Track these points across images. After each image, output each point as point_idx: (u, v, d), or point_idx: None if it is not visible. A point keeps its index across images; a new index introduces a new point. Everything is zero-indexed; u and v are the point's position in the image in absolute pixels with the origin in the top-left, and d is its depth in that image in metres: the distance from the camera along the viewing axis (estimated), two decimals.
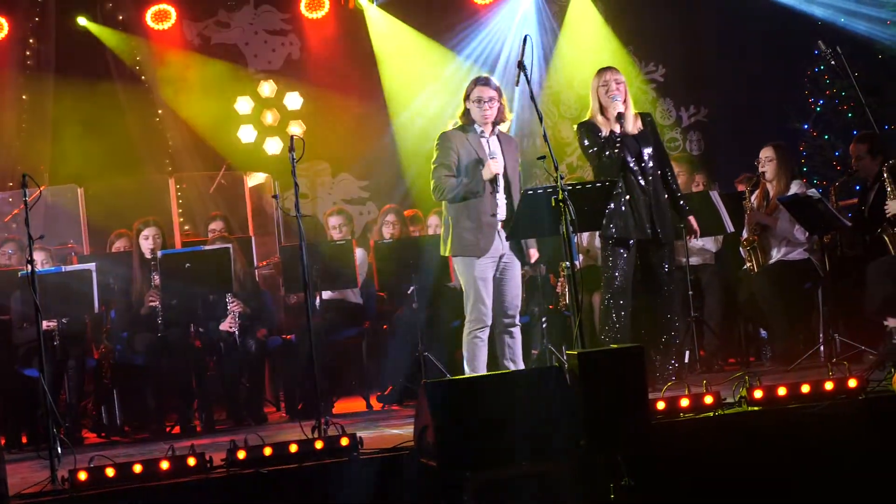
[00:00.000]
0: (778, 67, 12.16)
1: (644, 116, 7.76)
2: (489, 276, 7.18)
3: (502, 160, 7.18)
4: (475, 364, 7.16)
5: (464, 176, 7.15)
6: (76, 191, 11.32)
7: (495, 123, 7.26)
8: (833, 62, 9.61)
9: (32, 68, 12.17)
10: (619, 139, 7.51)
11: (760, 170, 8.67)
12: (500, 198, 7.20)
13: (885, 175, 8.14)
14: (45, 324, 7.91)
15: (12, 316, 8.61)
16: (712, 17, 12.66)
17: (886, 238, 8.15)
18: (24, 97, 12.11)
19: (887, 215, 8.09)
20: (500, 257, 7.21)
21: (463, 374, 7.28)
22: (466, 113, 7.28)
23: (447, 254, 7.30)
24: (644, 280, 7.67)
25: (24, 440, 8.59)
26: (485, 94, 7.20)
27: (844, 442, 6.08)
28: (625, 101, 7.61)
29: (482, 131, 7.24)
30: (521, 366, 7.32)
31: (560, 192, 6.57)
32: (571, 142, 12.49)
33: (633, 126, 7.65)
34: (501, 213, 7.19)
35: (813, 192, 8.27)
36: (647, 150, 7.59)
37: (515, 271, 7.32)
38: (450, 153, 7.20)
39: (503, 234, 7.17)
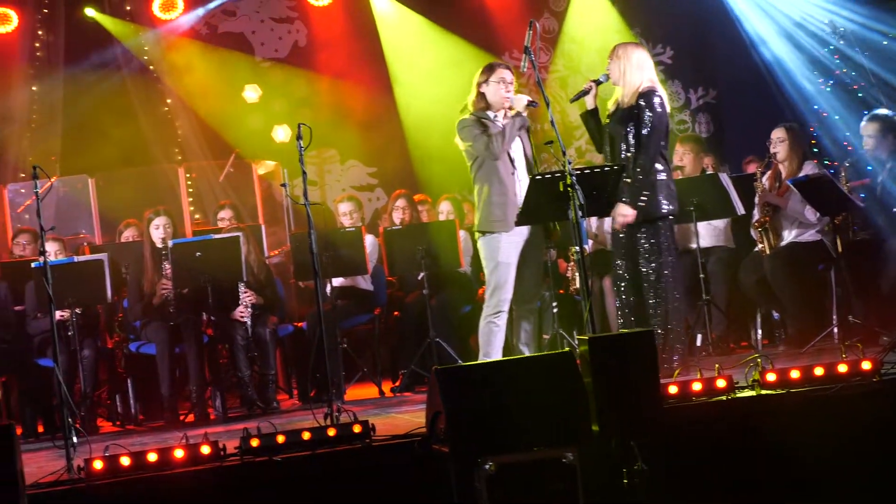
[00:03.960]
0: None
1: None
2: (513, 260, 7.18)
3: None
4: (490, 350, 7.17)
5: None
6: (87, 181, 11.35)
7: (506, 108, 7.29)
8: (842, 41, 9.58)
9: (42, 60, 12.17)
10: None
11: (772, 151, 8.64)
12: (518, 178, 7.22)
13: None
14: (58, 314, 7.94)
15: (26, 306, 8.65)
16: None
17: None
18: (33, 88, 12.12)
19: None
20: (524, 240, 7.22)
21: (475, 359, 7.29)
22: (481, 97, 7.26)
23: (477, 228, 7.29)
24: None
25: (40, 429, 8.64)
26: (507, 77, 7.26)
27: (859, 424, 6.08)
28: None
29: (495, 116, 7.25)
30: (532, 350, 7.34)
31: (568, 176, 6.57)
32: (579, 125, 12.44)
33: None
34: (521, 194, 7.20)
35: (825, 172, 8.25)
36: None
37: (538, 256, 7.33)
38: (477, 125, 7.19)
39: None
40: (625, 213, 7.42)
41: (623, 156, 7.47)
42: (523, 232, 7.21)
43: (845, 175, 8.83)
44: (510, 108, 7.30)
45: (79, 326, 8.30)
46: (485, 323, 7.24)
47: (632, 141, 7.46)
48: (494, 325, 7.20)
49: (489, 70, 7.30)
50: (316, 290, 6.94)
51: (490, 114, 7.26)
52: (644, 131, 7.42)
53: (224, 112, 12.51)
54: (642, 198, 7.41)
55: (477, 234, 7.36)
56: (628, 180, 7.40)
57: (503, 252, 7.15)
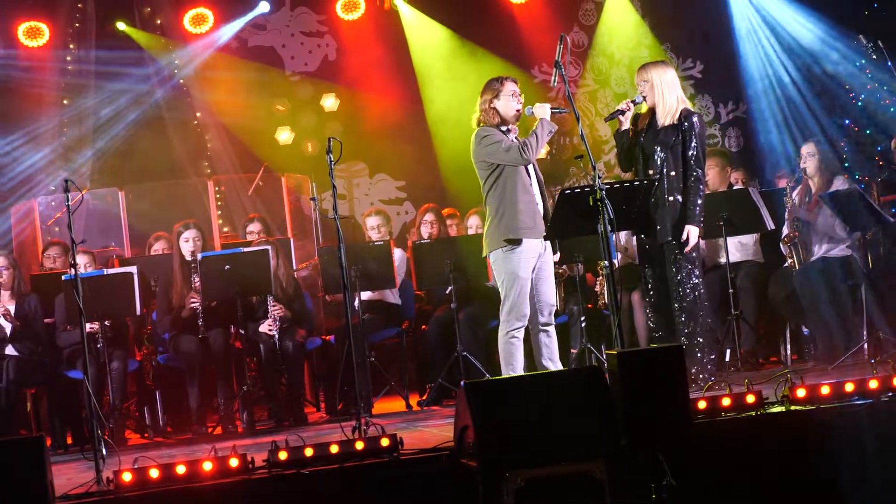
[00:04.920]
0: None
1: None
2: (529, 274, 7.14)
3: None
4: (514, 364, 7.13)
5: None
6: (117, 194, 11.41)
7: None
8: (874, 56, 9.53)
9: (73, 73, 12.27)
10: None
11: (802, 166, 8.61)
12: (536, 190, 7.20)
13: None
14: (88, 326, 7.98)
15: (56, 319, 8.70)
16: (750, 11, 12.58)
17: None
18: (64, 101, 12.21)
19: None
20: (539, 255, 7.20)
21: (502, 374, 7.27)
22: (492, 112, 7.21)
23: (503, 237, 7.10)
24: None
25: (69, 441, 8.67)
26: (517, 89, 7.25)
27: (889, 440, 6.03)
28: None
29: (507, 130, 7.23)
30: (559, 365, 7.31)
31: (598, 191, 6.56)
32: (609, 140, 12.45)
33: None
34: (540, 205, 7.20)
35: (855, 187, 8.20)
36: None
37: (551, 269, 7.31)
38: (501, 134, 7.18)
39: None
40: (696, 234, 7.50)
41: (663, 172, 7.48)
42: (537, 247, 7.17)
43: (877, 190, 8.78)
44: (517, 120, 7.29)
45: (108, 339, 8.34)
46: (506, 339, 7.15)
47: (669, 159, 7.49)
48: (516, 338, 7.14)
49: (498, 85, 7.24)
50: (345, 304, 6.95)
51: (503, 128, 7.24)
52: (692, 153, 7.52)
53: (253, 125, 12.57)
54: (700, 217, 7.53)
55: (496, 248, 7.17)
56: (669, 199, 7.42)
57: (523, 265, 7.11)
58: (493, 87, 7.25)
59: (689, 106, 7.69)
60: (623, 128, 7.65)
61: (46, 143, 12.03)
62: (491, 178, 7.20)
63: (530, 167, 7.20)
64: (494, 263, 7.24)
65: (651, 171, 7.54)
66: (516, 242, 7.10)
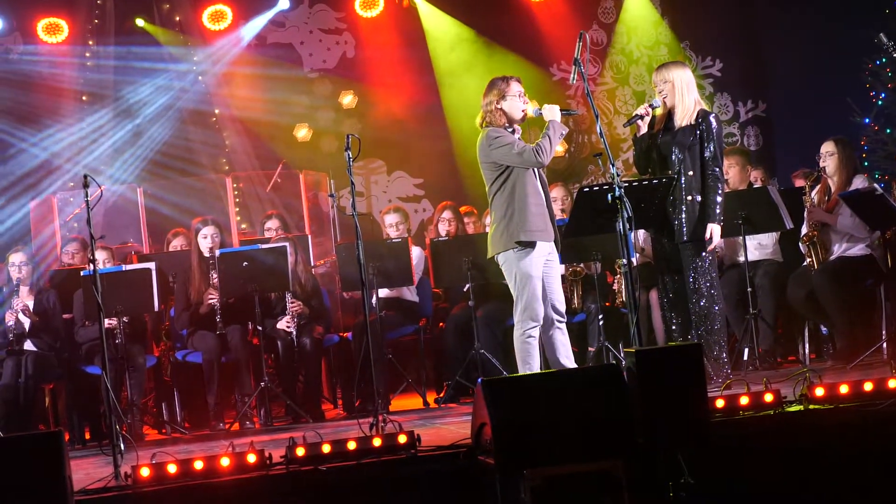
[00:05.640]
0: (838, 60, 12.01)
1: None
2: (540, 273, 7.12)
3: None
4: (531, 363, 7.11)
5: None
6: (135, 190, 11.44)
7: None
8: (895, 54, 9.48)
9: (92, 69, 12.30)
10: None
11: (821, 164, 8.57)
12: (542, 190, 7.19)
13: None
14: (106, 322, 8.00)
15: (75, 314, 8.73)
16: (771, 10, 12.55)
17: None
18: (83, 98, 12.25)
19: None
20: (547, 255, 7.18)
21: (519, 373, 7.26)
22: (499, 114, 7.16)
23: (515, 238, 7.04)
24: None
25: (87, 436, 8.70)
26: (521, 89, 7.20)
27: None
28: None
29: (513, 131, 7.21)
30: (574, 362, 7.30)
31: (616, 188, 6.55)
32: (627, 138, 12.44)
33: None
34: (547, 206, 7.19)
35: (875, 187, 8.17)
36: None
37: (557, 268, 7.30)
38: (508, 136, 7.14)
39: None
40: (718, 232, 7.49)
41: (680, 172, 7.47)
42: (548, 249, 7.15)
43: None
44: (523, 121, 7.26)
45: (126, 335, 8.36)
46: (522, 339, 7.11)
47: (687, 160, 7.47)
48: (532, 337, 7.12)
49: (504, 86, 7.16)
50: (363, 301, 6.95)
51: (508, 129, 7.20)
52: (709, 153, 7.51)
53: (271, 122, 12.59)
54: (721, 216, 7.53)
55: (505, 248, 7.12)
56: (688, 198, 7.42)
57: (535, 266, 7.08)
58: (498, 87, 7.18)
59: (705, 106, 7.68)
60: (641, 132, 7.63)
61: (65, 139, 12.08)
62: (499, 179, 7.14)
63: (537, 169, 7.16)
64: (504, 264, 7.17)
65: (669, 173, 7.52)
66: (529, 245, 7.06)
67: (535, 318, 7.11)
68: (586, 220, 6.98)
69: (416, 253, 9.17)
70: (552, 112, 7.10)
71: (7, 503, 5.42)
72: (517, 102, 7.16)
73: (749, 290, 8.43)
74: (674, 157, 7.53)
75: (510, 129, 7.18)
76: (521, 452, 5.53)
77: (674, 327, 7.70)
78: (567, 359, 7.23)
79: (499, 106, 7.16)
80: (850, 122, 11.50)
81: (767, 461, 6.01)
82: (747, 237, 8.45)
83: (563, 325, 7.27)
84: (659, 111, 7.64)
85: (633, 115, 7.63)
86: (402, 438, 6.05)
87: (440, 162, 12.64)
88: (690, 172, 7.49)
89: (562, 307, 7.26)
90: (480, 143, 7.20)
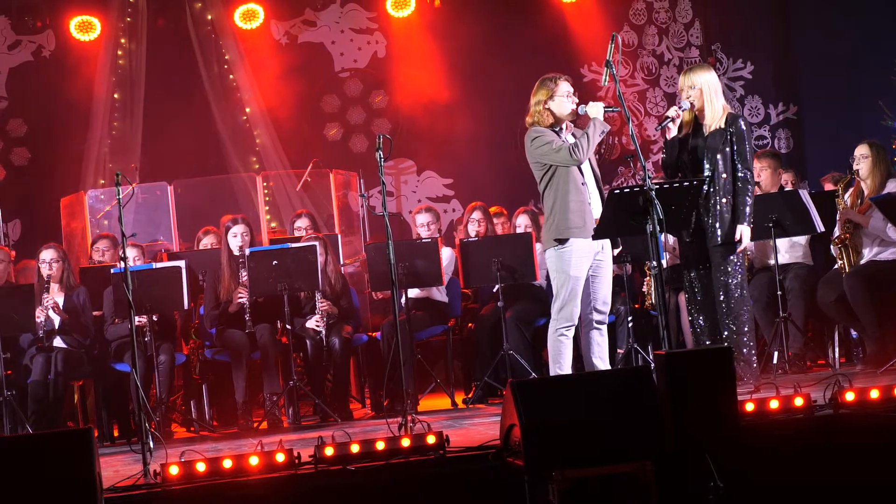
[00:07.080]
0: (871, 63, 11.94)
1: None
2: (583, 274, 7.12)
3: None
4: (562, 362, 7.12)
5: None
6: (166, 188, 11.49)
7: None
8: None
9: (124, 68, 12.36)
10: None
11: (854, 167, 8.51)
12: (589, 190, 7.17)
13: None
14: (136, 319, 8.03)
15: (105, 312, 8.77)
16: (802, 13, 12.49)
17: None
18: (115, 96, 12.30)
19: None
20: (595, 254, 7.17)
21: (548, 373, 7.25)
22: (546, 113, 7.18)
23: (554, 236, 7.11)
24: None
25: (116, 433, 8.75)
26: (570, 88, 7.23)
27: None
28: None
29: (560, 130, 7.21)
30: (608, 364, 7.29)
31: (647, 190, 6.53)
32: (657, 140, 12.40)
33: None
34: (594, 204, 7.18)
35: None
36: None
37: (608, 268, 7.28)
38: (553, 134, 7.16)
39: None
40: (748, 234, 7.44)
41: (713, 177, 7.44)
42: (595, 246, 7.15)
43: None
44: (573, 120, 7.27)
45: (155, 332, 8.40)
46: (555, 336, 7.16)
47: (718, 164, 7.44)
48: (565, 336, 7.14)
49: (553, 85, 7.18)
50: (393, 301, 6.95)
51: (556, 128, 7.21)
52: (739, 156, 7.47)
53: (302, 121, 12.62)
54: (751, 218, 7.49)
55: (549, 246, 7.20)
56: (722, 201, 7.39)
57: (574, 265, 7.09)
58: (547, 86, 7.21)
59: (731, 109, 7.66)
60: (671, 135, 7.61)
61: (96, 137, 12.14)
62: (546, 177, 7.20)
63: (584, 166, 7.17)
64: (549, 261, 7.25)
65: (700, 176, 7.49)
66: (565, 242, 7.09)
67: (571, 319, 7.11)
68: (616, 222, 6.96)
69: (446, 253, 9.17)
70: (595, 109, 7.12)
71: (37, 500, 5.44)
72: (566, 101, 7.18)
73: (779, 293, 8.39)
74: (705, 160, 7.50)
75: (558, 129, 7.18)
76: (550, 454, 5.53)
77: (699, 330, 7.66)
78: (600, 359, 7.23)
79: (547, 106, 7.19)
80: (881, 126, 11.42)
81: (797, 465, 5.97)
82: (778, 239, 8.41)
83: (604, 327, 7.27)
84: (687, 115, 7.62)
85: (664, 117, 7.61)
86: (431, 439, 6.04)
87: (470, 162, 12.64)
88: (724, 175, 7.46)
89: (605, 307, 7.25)
90: (525, 143, 7.27)
